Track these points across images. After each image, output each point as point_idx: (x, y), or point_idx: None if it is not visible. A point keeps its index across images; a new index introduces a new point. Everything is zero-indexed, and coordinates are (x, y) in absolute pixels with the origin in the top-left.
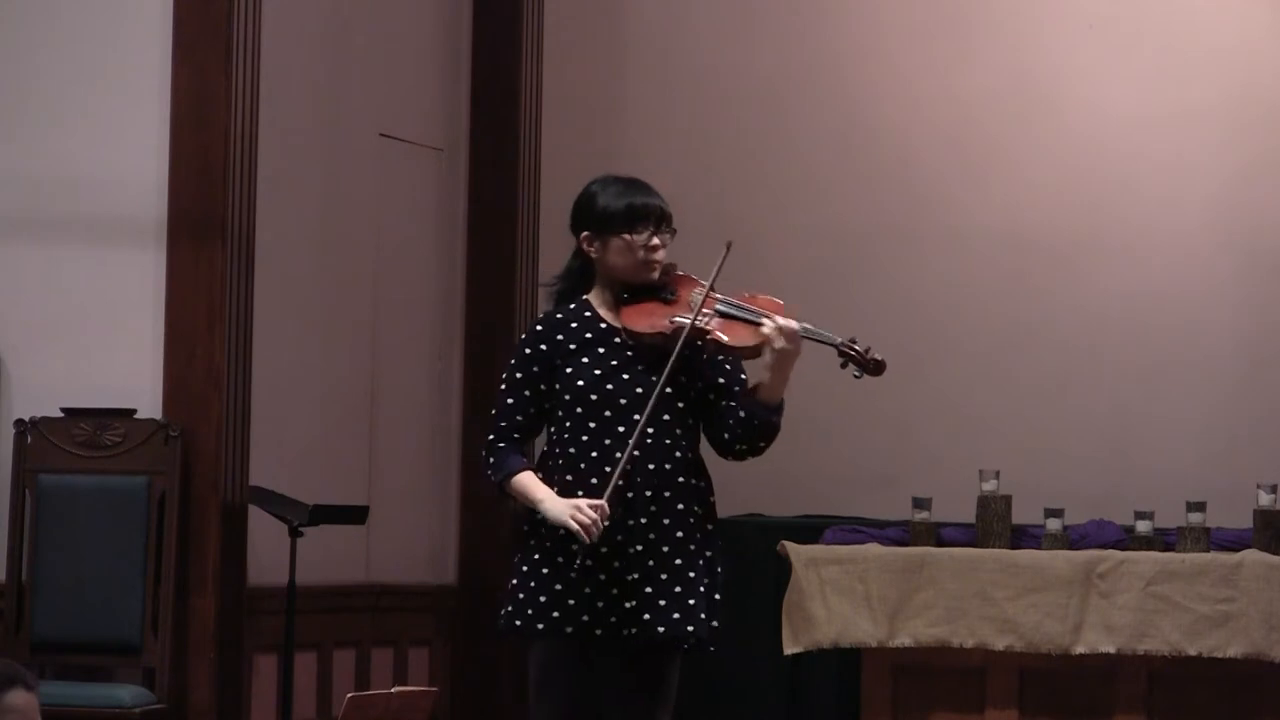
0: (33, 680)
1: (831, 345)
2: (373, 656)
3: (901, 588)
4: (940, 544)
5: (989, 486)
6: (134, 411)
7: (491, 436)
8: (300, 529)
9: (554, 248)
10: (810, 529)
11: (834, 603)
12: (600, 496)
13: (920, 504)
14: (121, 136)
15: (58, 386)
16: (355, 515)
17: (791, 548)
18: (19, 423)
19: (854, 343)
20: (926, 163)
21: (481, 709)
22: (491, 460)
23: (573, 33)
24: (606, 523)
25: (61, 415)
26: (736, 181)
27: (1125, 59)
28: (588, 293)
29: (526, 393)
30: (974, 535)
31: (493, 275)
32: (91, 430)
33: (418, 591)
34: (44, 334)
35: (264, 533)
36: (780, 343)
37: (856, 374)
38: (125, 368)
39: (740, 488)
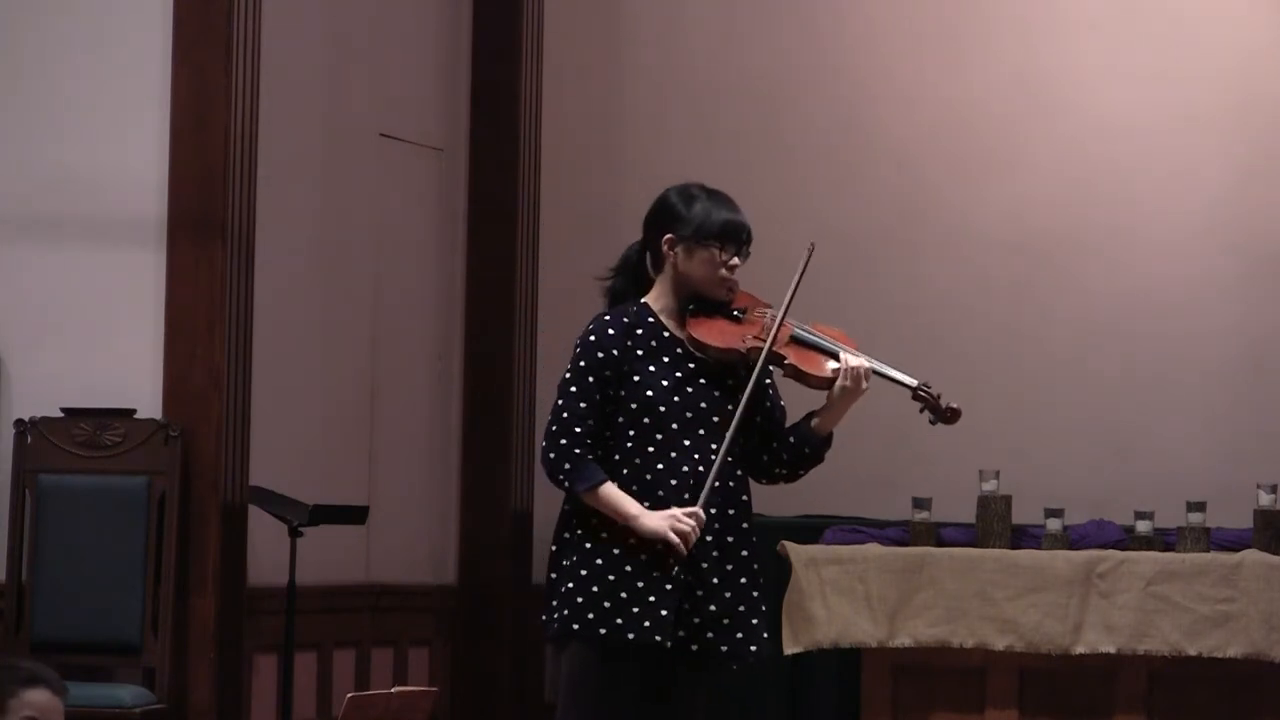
0: (61, 686)
1: (907, 388)
2: (373, 656)
3: (901, 588)
4: (940, 544)
5: (989, 486)
6: (134, 411)
7: (564, 441)
8: (300, 529)
9: (554, 247)
10: (810, 529)
11: (834, 603)
12: (671, 505)
13: (920, 504)
14: (121, 136)
15: (58, 386)
16: (355, 515)
17: (791, 548)
18: (19, 423)
19: (928, 386)
20: (924, 165)
21: (481, 709)
22: (568, 467)
23: (572, 33)
24: (699, 532)
25: (61, 415)
26: (734, 183)
27: (1124, 63)
28: (639, 295)
29: (598, 396)
30: (974, 535)
31: (493, 275)
32: (91, 430)
33: (418, 591)
34: (44, 334)
35: (264, 533)
36: (849, 382)
37: (931, 420)
38: (125, 368)
39: None
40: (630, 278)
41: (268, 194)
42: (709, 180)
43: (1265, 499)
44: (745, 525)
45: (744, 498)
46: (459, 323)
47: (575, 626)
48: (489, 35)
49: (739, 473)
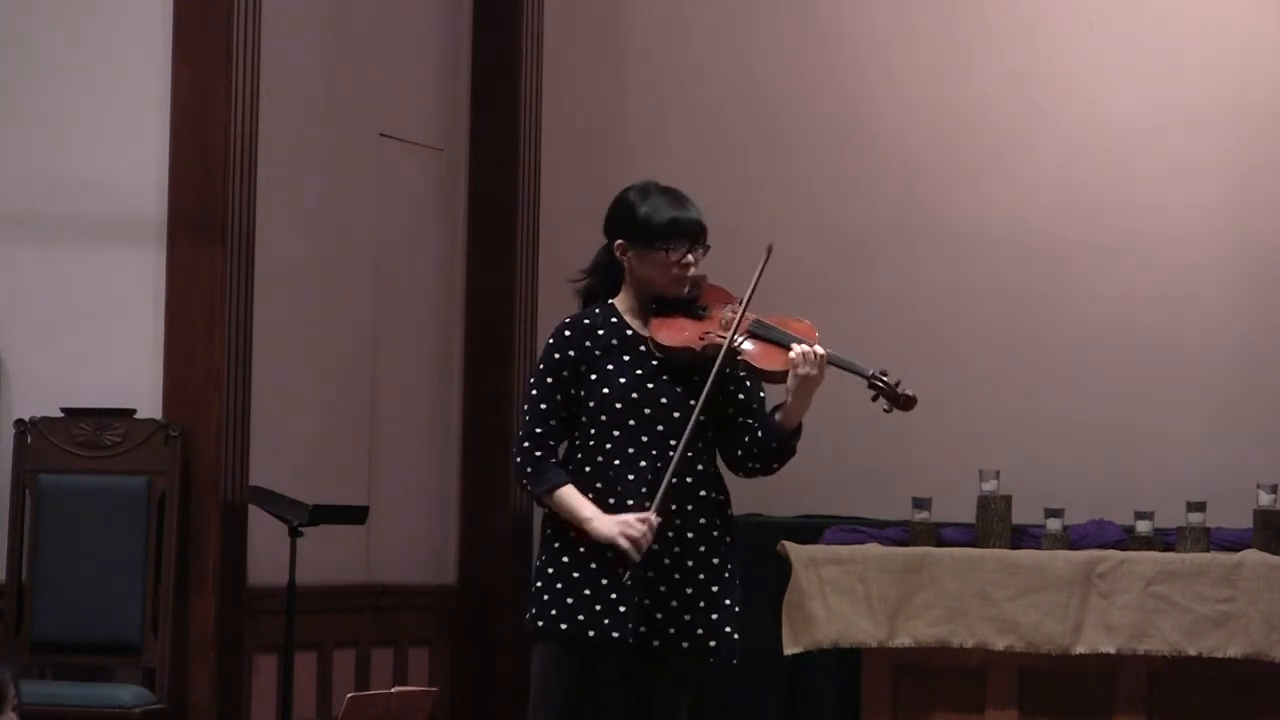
0: (8, 692)
1: (862, 376)
2: (373, 656)
3: (901, 588)
4: (940, 544)
5: (989, 486)
6: (134, 411)
7: (527, 444)
8: (300, 529)
9: (554, 247)
10: (810, 529)
11: (834, 603)
12: (632, 507)
13: (920, 504)
14: (121, 136)
15: (58, 386)
16: (355, 515)
17: (791, 548)
18: (19, 423)
19: (885, 374)
20: (926, 166)
21: (481, 709)
22: (529, 470)
23: (573, 33)
24: (652, 537)
25: (61, 415)
26: (736, 184)
27: (1126, 62)
28: (613, 294)
29: (558, 397)
30: (974, 535)
31: (493, 275)
32: (91, 430)
33: (418, 591)
34: (44, 334)
35: (264, 533)
36: (805, 368)
37: (886, 408)
38: (125, 368)
39: (740, 488)
40: (603, 279)
41: (268, 194)
42: (711, 182)
43: (1265, 499)
44: (704, 520)
45: (703, 493)
46: (459, 323)
47: (541, 624)
48: (489, 35)
49: (700, 468)
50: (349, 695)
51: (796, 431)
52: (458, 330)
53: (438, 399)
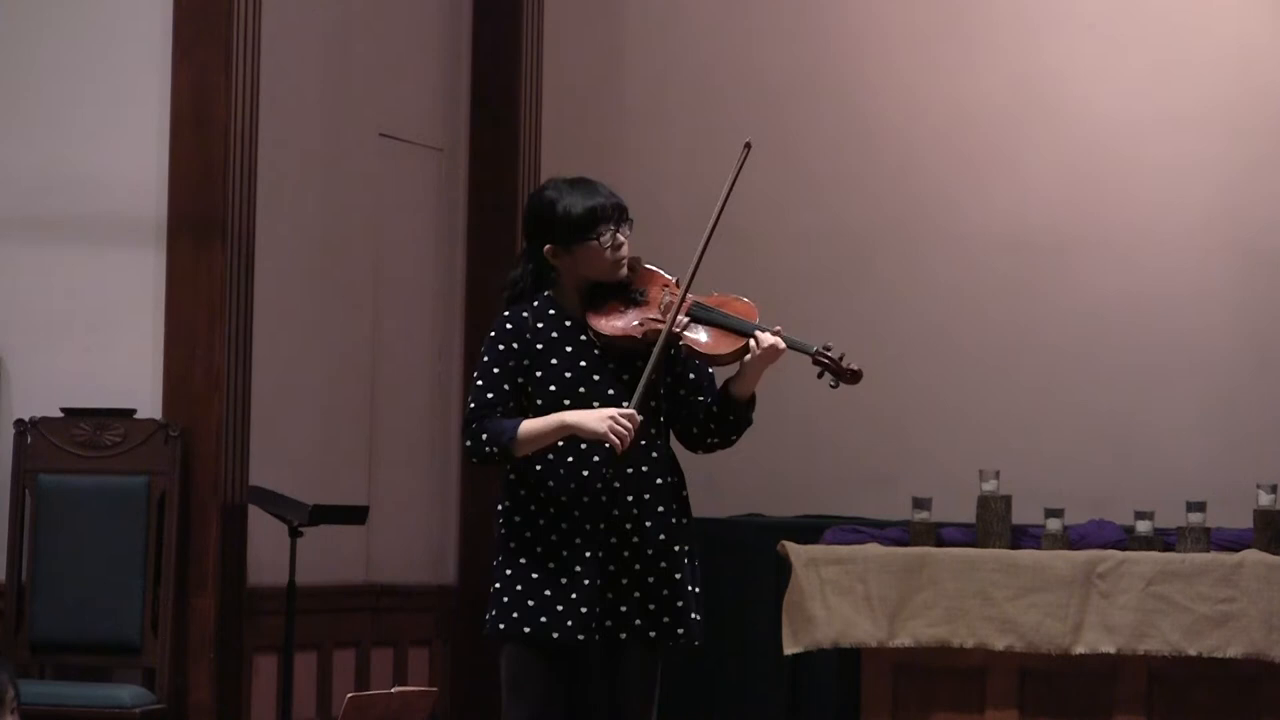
0: (7, 694)
1: (806, 354)
2: (373, 656)
3: (901, 588)
4: (940, 544)
5: (989, 486)
6: (134, 411)
7: (475, 424)
8: (300, 529)
9: None
10: (810, 529)
11: (834, 603)
12: (588, 504)
13: (920, 504)
14: (121, 136)
15: (58, 386)
16: (355, 515)
17: (791, 548)
18: (19, 423)
19: (828, 350)
20: (926, 164)
21: (481, 709)
22: (485, 436)
23: (573, 32)
24: (634, 433)
25: (61, 415)
26: (736, 183)
27: (1124, 61)
28: (545, 291)
29: (506, 386)
30: (974, 535)
31: (493, 275)
32: (91, 430)
33: (418, 591)
34: (44, 334)
35: (264, 533)
36: (760, 354)
37: (833, 383)
38: (125, 368)
39: (740, 488)
40: (530, 284)
41: (268, 194)
42: (711, 181)
43: (1265, 499)
44: (662, 509)
45: (659, 480)
46: (459, 323)
47: (503, 626)
48: (489, 35)
49: (654, 455)
50: (349, 695)
51: (751, 402)
52: (458, 330)
53: (438, 399)
